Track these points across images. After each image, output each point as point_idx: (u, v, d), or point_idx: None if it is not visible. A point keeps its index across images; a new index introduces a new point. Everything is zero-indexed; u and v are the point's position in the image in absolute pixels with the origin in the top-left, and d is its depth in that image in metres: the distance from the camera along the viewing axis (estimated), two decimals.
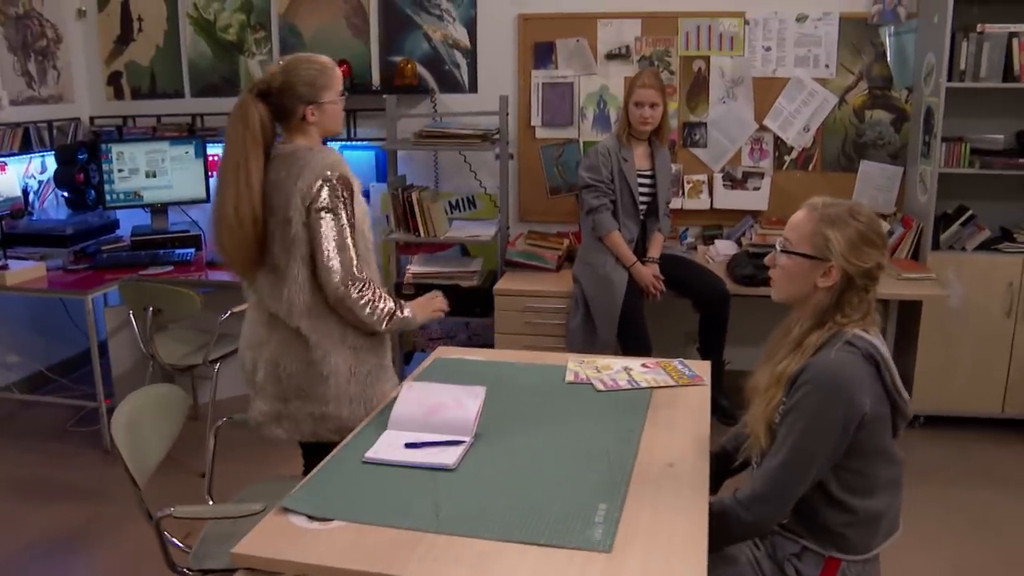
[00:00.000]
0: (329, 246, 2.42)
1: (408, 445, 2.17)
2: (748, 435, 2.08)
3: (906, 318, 4.35)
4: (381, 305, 2.52)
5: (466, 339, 5.10)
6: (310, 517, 1.86)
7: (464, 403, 2.28)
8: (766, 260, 2.14)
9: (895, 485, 2.04)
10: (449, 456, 2.11)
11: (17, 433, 4.46)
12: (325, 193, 2.40)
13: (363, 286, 2.47)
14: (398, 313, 2.59)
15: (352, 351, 2.59)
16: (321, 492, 1.97)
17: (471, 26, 4.78)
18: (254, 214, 2.41)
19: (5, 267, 4.15)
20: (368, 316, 2.50)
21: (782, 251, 2.06)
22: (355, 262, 2.45)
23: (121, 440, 2.25)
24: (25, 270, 4.15)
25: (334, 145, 4.88)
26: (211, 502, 2.67)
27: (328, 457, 2.16)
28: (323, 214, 2.40)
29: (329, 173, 2.41)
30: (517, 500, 1.91)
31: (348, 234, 2.44)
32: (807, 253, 1.99)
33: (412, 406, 2.30)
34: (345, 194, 2.45)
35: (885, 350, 1.96)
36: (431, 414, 2.26)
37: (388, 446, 2.18)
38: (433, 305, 2.82)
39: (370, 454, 2.14)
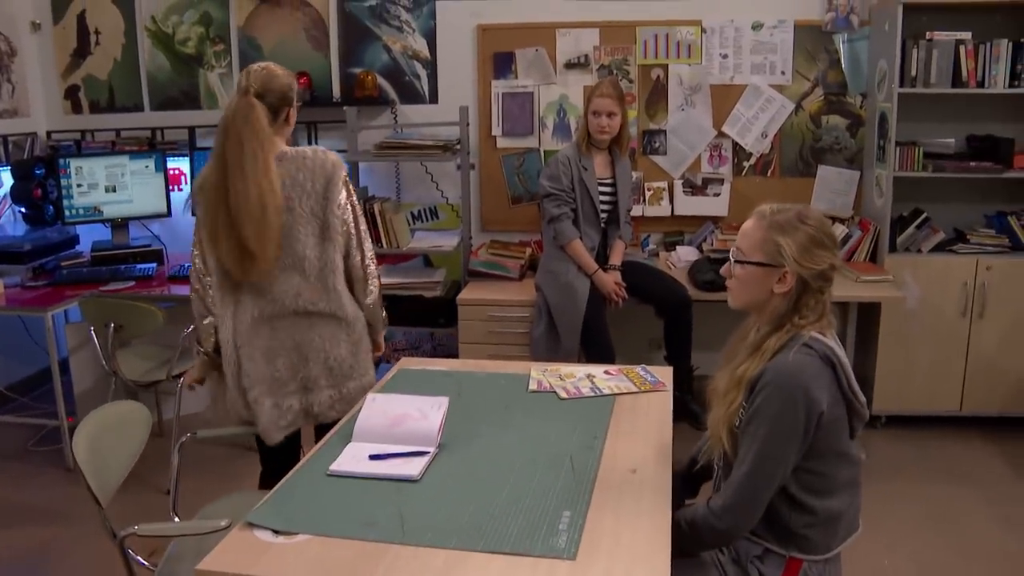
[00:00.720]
0: (361, 232, 2.74)
1: (372, 457, 2.18)
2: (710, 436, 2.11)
3: (865, 320, 4.42)
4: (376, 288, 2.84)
5: (431, 349, 5.11)
6: (275, 531, 1.86)
7: (428, 414, 2.29)
8: (722, 271, 2.17)
9: (854, 485, 2.07)
10: (413, 467, 2.12)
11: None
12: (347, 190, 2.68)
13: (375, 279, 2.82)
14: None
15: (364, 323, 2.85)
16: (286, 506, 1.97)
17: (431, 37, 4.80)
18: (277, 207, 2.54)
19: None
20: (375, 294, 2.82)
21: (735, 261, 2.09)
22: (370, 249, 2.79)
23: (83, 458, 2.22)
24: None
25: None
26: (176, 519, 2.65)
27: (292, 471, 2.16)
28: (349, 207, 2.68)
29: (343, 172, 2.68)
30: (481, 509, 1.92)
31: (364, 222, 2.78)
32: (760, 261, 2.02)
33: (376, 418, 2.31)
34: (353, 188, 2.73)
35: (841, 352, 1.99)
36: (395, 425, 2.27)
37: (352, 458, 2.18)
38: None
39: (334, 467, 2.14)
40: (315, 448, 2.29)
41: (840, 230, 4.42)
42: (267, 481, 2.78)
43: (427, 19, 4.78)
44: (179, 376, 3.97)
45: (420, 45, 4.83)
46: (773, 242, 1.99)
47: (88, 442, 2.28)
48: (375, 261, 2.82)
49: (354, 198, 2.72)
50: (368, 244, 2.77)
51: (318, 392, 2.76)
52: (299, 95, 2.75)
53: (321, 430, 2.70)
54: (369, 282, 2.78)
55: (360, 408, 2.38)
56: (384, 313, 2.92)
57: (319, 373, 2.74)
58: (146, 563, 2.42)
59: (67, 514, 3.66)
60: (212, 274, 2.70)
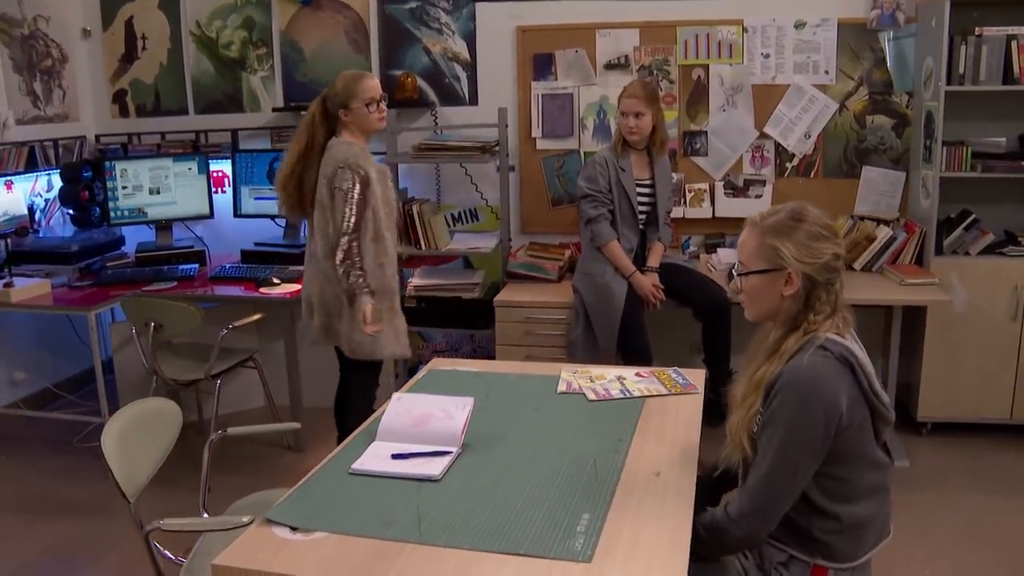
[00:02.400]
0: (338, 216, 3.28)
1: (395, 456, 2.18)
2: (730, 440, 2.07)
3: (910, 324, 4.31)
4: (356, 269, 3.30)
5: (470, 351, 5.10)
6: (293, 528, 1.86)
7: (452, 414, 2.28)
8: (731, 287, 2.14)
9: (880, 490, 2.02)
10: (435, 467, 2.11)
11: (24, 449, 4.49)
12: (340, 176, 3.28)
13: (343, 253, 3.27)
14: (360, 282, 3.32)
15: None
16: (306, 503, 1.97)
17: (470, 39, 4.80)
18: (293, 174, 3.44)
19: (10, 284, 4.19)
20: (341, 272, 3.29)
21: (738, 275, 2.06)
22: (349, 232, 3.27)
23: (111, 452, 2.26)
24: (30, 287, 4.19)
25: None
26: (205, 515, 2.67)
27: (315, 469, 2.16)
28: (336, 192, 3.29)
29: (345, 162, 3.29)
30: (500, 510, 1.91)
31: (353, 210, 3.27)
32: (761, 268, 1.99)
33: (400, 417, 2.30)
34: (355, 178, 3.27)
35: (860, 352, 1.94)
36: (418, 425, 2.27)
37: (375, 457, 2.18)
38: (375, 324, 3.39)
39: (356, 465, 2.14)
40: (340, 447, 2.30)
41: (885, 232, 4.32)
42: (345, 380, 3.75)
43: (467, 21, 4.79)
44: (218, 375, 4.03)
45: (460, 47, 4.83)
46: (770, 247, 1.96)
47: (116, 437, 2.31)
48: (349, 257, 3.31)
49: (350, 190, 3.29)
50: (342, 227, 3.31)
51: (319, 316, 3.55)
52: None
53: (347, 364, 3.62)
54: (337, 264, 3.32)
55: (385, 407, 2.37)
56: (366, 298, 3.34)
57: (318, 303, 3.55)
58: (173, 558, 2.44)
59: (107, 509, 3.73)
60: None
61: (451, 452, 2.18)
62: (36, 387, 4.90)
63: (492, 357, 4.52)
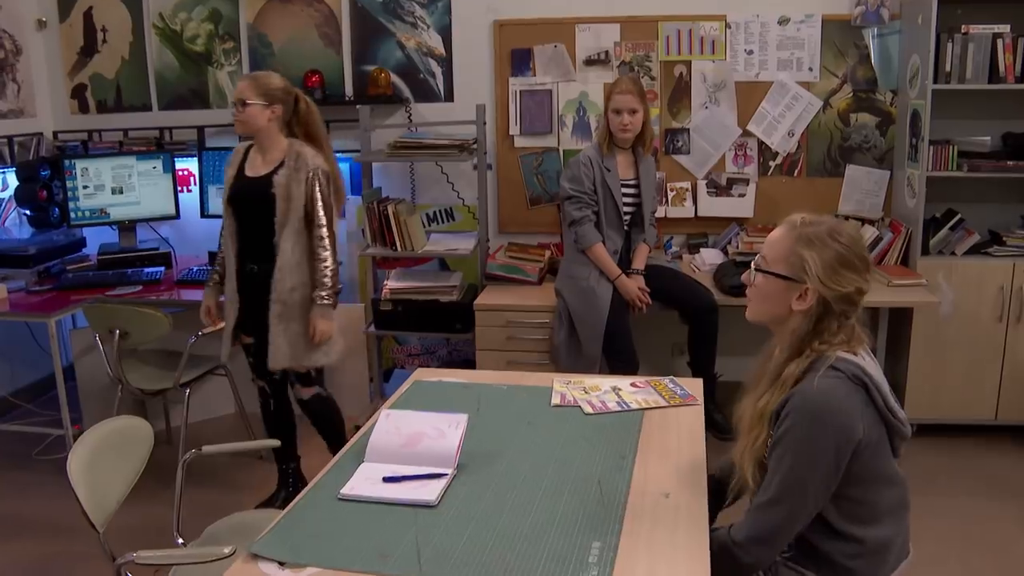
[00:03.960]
0: None
1: (387, 479, 2.04)
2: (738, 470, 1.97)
3: (896, 326, 4.25)
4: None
5: (446, 355, 4.97)
6: (281, 564, 1.72)
7: (445, 433, 2.14)
8: (742, 278, 2.03)
9: (900, 509, 1.93)
10: (431, 491, 1.98)
11: None
12: None
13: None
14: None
15: None
16: (293, 534, 1.83)
17: (446, 33, 4.66)
18: None
19: None
20: None
21: (756, 269, 1.96)
22: None
23: (78, 479, 2.09)
24: None
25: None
26: (180, 540, 2.52)
27: (301, 494, 2.02)
28: None
29: None
30: (505, 540, 1.78)
31: None
32: (781, 273, 1.89)
33: (390, 436, 2.17)
34: None
35: (874, 369, 1.85)
36: (410, 445, 2.13)
37: (365, 480, 2.05)
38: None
39: (345, 490, 2.00)
40: (325, 468, 2.16)
41: (870, 232, 4.26)
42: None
43: (442, 15, 4.64)
44: (187, 384, 3.85)
45: (435, 42, 4.69)
46: (798, 255, 1.86)
47: (85, 462, 2.15)
48: None
49: None
50: None
51: None
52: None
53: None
54: None
55: (373, 425, 2.24)
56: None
57: None
58: None
59: (72, 528, 3.54)
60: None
61: (446, 474, 2.05)
62: None
63: (470, 360, 4.40)
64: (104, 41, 5.00)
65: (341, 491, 2.00)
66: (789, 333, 1.90)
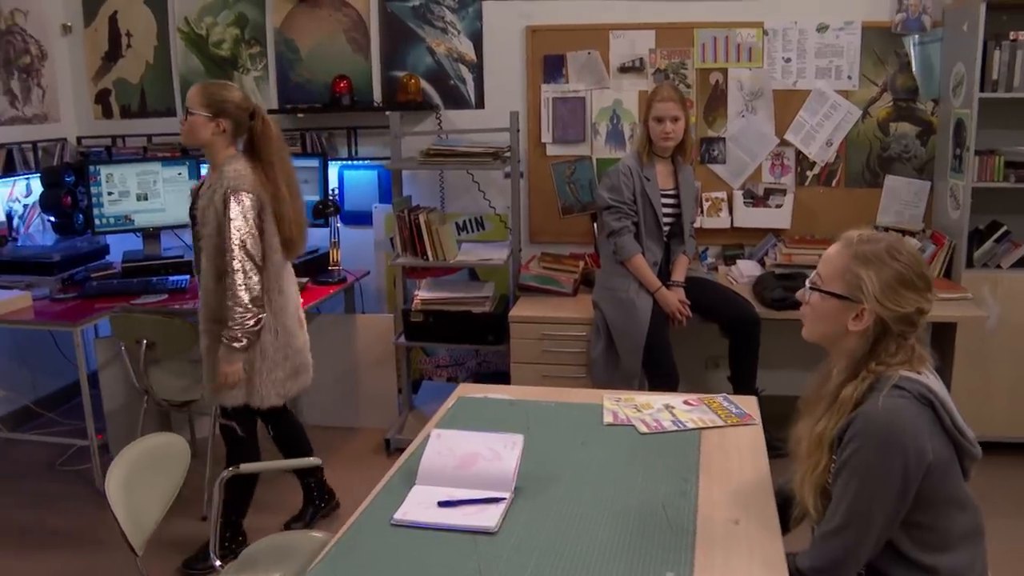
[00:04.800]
0: None
1: (441, 503, 1.94)
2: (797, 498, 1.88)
3: (940, 340, 4.13)
4: None
5: (476, 366, 4.87)
6: None
7: (501, 454, 2.05)
8: (797, 295, 1.95)
9: (975, 535, 1.84)
10: (489, 517, 1.88)
11: (4, 473, 4.20)
12: None
13: None
14: None
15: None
16: (347, 563, 1.74)
17: (477, 39, 4.58)
18: None
19: None
20: None
21: (811, 288, 1.88)
22: None
23: (116, 500, 2.01)
24: (9, 300, 3.89)
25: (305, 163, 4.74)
26: (218, 563, 2.43)
27: (351, 519, 1.93)
28: None
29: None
30: (571, 569, 1.69)
31: None
32: (837, 293, 1.81)
33: (442, 458, 2.07)
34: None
35: (940, 388, 1.77)
36: (464, 467, 2.04)
37: (418, 505, 1.95)
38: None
39: (398, 515, 1.91)
40: (374, 491, 2.06)
41: (911, 244, 4.15)
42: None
43: (473, 20, 4.56)
44: None
45: (466, 47, 4.60)
46: (854, 274, 1.78)
47: (122, 483, 2.06)
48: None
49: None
50: None
51: None
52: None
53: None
54: None
55: (424, 445, 2.14)
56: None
57: None
58: None
59: (96, 542, 3.46)
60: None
61: (504, 498, 1.95)
62: (15, 405, 4.59)
63: (500, 372, 4.31)
64: (129, 46, 4.93)
65: (394, 516, 1.90)
66: (845, 354, 1.83)
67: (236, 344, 2.93)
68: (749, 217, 4.45)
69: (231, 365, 2.98)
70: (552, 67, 4.51)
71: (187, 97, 3.00)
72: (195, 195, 3.09)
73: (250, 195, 2.93)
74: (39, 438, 4.27)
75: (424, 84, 4.63)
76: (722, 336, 3.88)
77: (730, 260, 4.48)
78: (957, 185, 4.06)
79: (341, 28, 4.67)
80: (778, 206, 4.42)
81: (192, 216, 3.10)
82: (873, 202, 4.41)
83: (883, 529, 1.72)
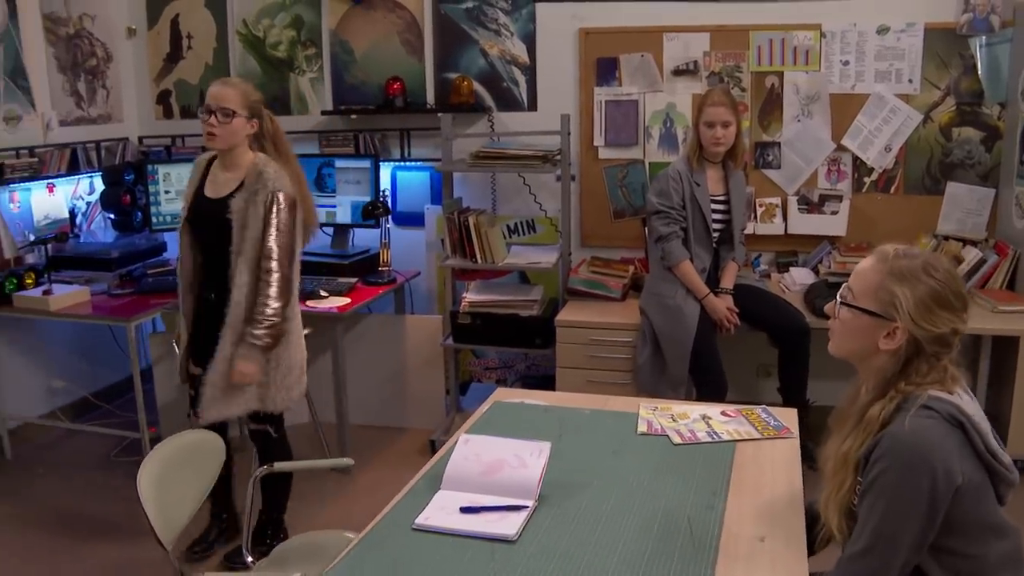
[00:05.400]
0: None
1: (464, 509, 1.94)
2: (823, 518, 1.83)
3: (1001, 354, 3.99)
4: None
5: (524, 369, 4.86)
6: None
7: (527, 462, 2.03)
8: (826, 309, 1.89)
9: (1014, 561, 1.76)
10: (510, 525, 1.87)
11: (62, 462, 4.32)
12: None
13: None
14: None
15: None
16: (365, 565, 1.74)
17: (530, 41, 4.56)
18: None
19: (49, 292, 4.01)
20: None
21: (842, 303, 1.81)
22: None
23: (147, 495, 2.04)
24: (69, 295, 4.01)
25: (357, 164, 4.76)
26: (250, 559, 2.46)
27: (374, 521, 1.93)
28: None
29: None
30: None
31: None
32: (869, 309, 1.74)
33: (469, 463, 2.07)
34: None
35: (973, 409, 1.70)
36: (489, 473, 2.03)
37: (440, 510, 1.95)
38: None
39: (420, 520, 1.90)
40: (400, 494, 2.06)
41: (973, 254, 4.02)
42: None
43: (526, 22, 4.55)
44: None
45: (519, 49, 4.59)
46: (888, 291, 1.71)
47: (155, 478, 2.10)
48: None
49: None
50: None
51: None
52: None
53: None
54: None
55: (451, 449, 2.14)
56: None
57: None
58: None
59: (144, 533, 3.51)
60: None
61: (527, 507, 1.94)
62: (74, 396, 4.73)
63: (549, 376, 4.29)
64: (189, 48, 5.03)
65: (416, 521, 1.90)
66: (875, 372, 1.77)
67: (260, 343, 2.91)
68: (803, 224, 4.36)
69: (249, 364, 2.93)
70: (605, 69, 4.48)
71: (222, 96, 2.91)
72: (197, 195, 3.07)
73: (290, 196, 2.94)
74: (96, 429, 4.38)
75: (477, 86, 4.64)
76: (771, 345, 3.81)
77: (783, 267, 4.39)
78: (1023, 193, 3.92)
79: (395, 30, 4.70)
80: (833, 213, 4.32)
81: (197, 216, 3.06)
82: (933, 210, 4.28)
83: (910, 553, 1.65)
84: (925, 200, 4.29)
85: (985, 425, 1.70)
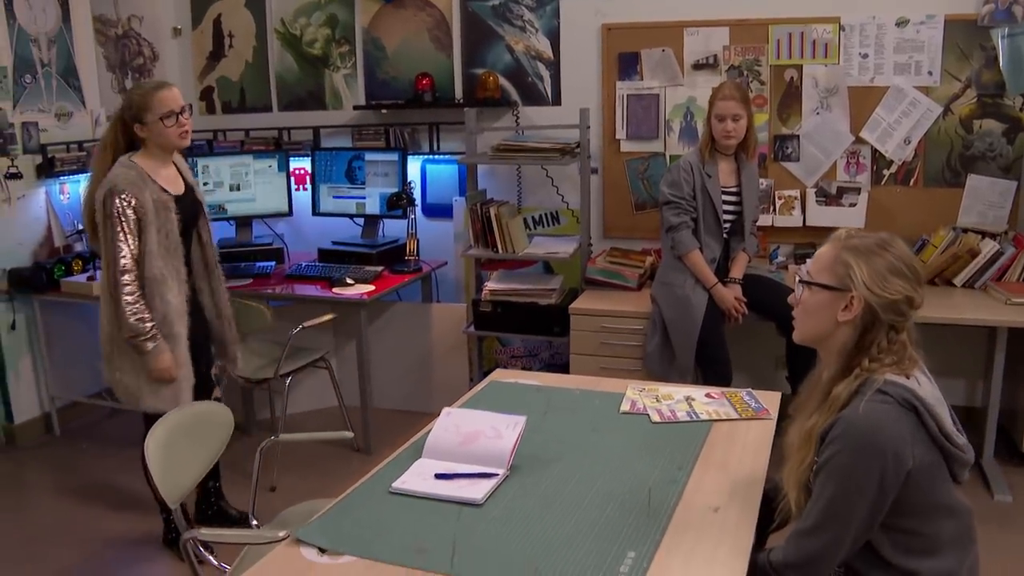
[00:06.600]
0: (109, 249, 2.96)
1: (438, 476, 2.07)
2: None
3: (1017, 347, 4.00)
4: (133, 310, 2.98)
5: (548, 357, 4.98)
6: (321, 550, 1.77)
7: (502, 433, 2.16)
8: (789, 299, 1.97)
9: (964, 540, 1.83)
10: (478, 490, 2.00)
11: (105, 439, 4.59)
12: (107, 204, 2.94)
13: (126, 288, 2.95)
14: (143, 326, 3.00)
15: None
16: (339, 523, 1.89)
17: (554, 37, 4.67)
18: (89, 202, 3.07)
19: (92, 278, 4.26)
20: (123, 314, 2.97)
21: (800, 282, 1.90)
22: (125, 269, 2.95)
23: (154, 458, 2.21)
24: None
25: (387, 157, 4.89)
26: (254, 522, 2.62)
27: (356, 484, 2.07)
28: (106, 222, 2.96)
29: (114, 187, 2.93)
30: (540, 543, 1.78)
31: (128, 241, 2.95)
32: (826, 283, 1.82)
33: (448, 434, 2.20)
34: (123, 207, 2.93)
35: (927, 392, 1.75)
36: (466, 443, 2.16)
37: (418, 476, 2.08)
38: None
39: (397, 484, 2.05)
40: (384, 461, 2.20)
41: (990, 246, 4.03)
42: None
43: (550, 18, 4.66)
44: (287, 375, 4.00)
45: (543, 45, 4.71)
46: (843, 263, 1.80)
47: (162, 443, 2.27)
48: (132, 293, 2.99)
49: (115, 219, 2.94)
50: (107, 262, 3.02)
51: None
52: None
53: None
54: (120, 305, 2.99)
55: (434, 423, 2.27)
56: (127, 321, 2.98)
57: None
58: (216, 563, 2.42)
59: None
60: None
61: (497, 475, 2.06)
62: None
63: (568, 365, 4.39)
64: (231, 46, 5.25)
65: (393, 485, 2.04)
66: (836, 350, 1.84)
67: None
68: (822, 216, 4.39)
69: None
70: (627, 64, 4.57)
71: (180, 97, 3.09)
72: (191, 192, 3.25)
73: None
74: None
75: (503, 81, 4.76)
76: (779, 335, 3.87)
77: (800, 259, 4.43)
78: None
79: (424, 27, 4.85)
80: (852, 205, 4.35)
81: (192, 214, 3.23)
82: (954, 202, 4.28)
83: (859, 532, 1.73)
84: (945, 192, 4.30)
85: (940, 408, 1.76)
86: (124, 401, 3.18)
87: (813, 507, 1.75)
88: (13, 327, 4.47)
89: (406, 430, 4.10)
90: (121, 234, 2.93)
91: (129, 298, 2.96)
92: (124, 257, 2.95)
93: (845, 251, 1.81)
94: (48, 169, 4.51)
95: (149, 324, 2.99)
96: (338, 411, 4.52)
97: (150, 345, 2.99)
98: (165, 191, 3.06)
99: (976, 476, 3.85)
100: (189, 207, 3.19)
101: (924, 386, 1.77)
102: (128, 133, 3.06)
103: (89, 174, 3.21)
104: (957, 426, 1.78)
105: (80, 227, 4.54)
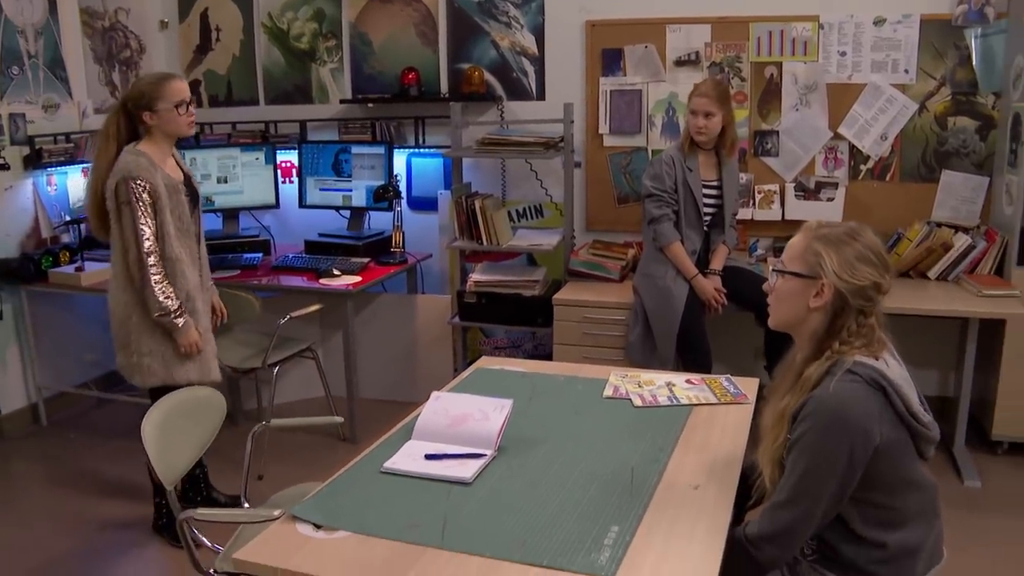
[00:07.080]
0: (128, 234, 3.07)
1: (428, 456, 2.14)
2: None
3: (988, 338, 4.10)
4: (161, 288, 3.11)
5: (531, 348, 5.05)
6: (317, 526, 1.84)
7: (489, 415, 2.23)
8: (764, 288, 2.06)
9: (929, 514, 1.93)
10: (467, 470, 2.07)
11: (93, 429, 4.63)
12: (121, 190, 3.02)
13: (152, 268, 3.07)
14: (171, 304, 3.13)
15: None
16: (333, 501, 1.95)
17: (539, 33, 4.75)
18: (95, 192, 3.13)
19: (81, 268, 4.30)
20: (152, 294, 3.08)
21: (773, 270, 1.99)
22: (144, 248, 3.04)
23: (150, 438, 2.27)
24: (100, 271, 4.28)
25: (368, 150, 4.94)
26: (246, 504, 2.68)
27: (348, 465, 2.14)
28: (122, 208, 3.05)
29: (128, 173, 3.01)
30: (527, 518, 1.86)
31: (149, 224, 3.06)
32: (798, 272, 1.91)
33: (437, 416, 2.27)
34: (139, 191, 3.02)
35: (895, 372, 1.84)
36: (455, 425, 2.23)
37: (408, 456, 2.15)
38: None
39: (388, 464, 2.11)
40: (375, 443, 2.27)
41: (963, 240, 4.13)
42: None
43: (535, 15, 4.73)
44: (275, 364, 4.06)
45: (528, 41, 4.78)
46: (814, 251, 1.89)
47: (158, 425, 2.33)
48: (158, 272, 3.11)
49: (135, 204, 3.04)
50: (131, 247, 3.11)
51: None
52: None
53: None
54: (145, 289, 3.11)
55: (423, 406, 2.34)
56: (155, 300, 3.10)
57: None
58: (210, 545, 2.48)
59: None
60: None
61: (485, 455, 2.14)
62: (105, 368, 4.99)
63: (551, 356, 4.46)
64: (218, 40, 5.29)
65: (384, 465, 2.11)
66: (808, 334, 1.93)
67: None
68: (800, 210, 4.48)
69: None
70: (610, 60, 4.64)
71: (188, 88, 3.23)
72: (188, 181, 3.35)
73: None
74: (124, 399, 4.66)
75: (488, 76, 4.83)
76: (757, 326, 3.95)
77: (779, 252, 4.52)
78: (1012, 181, 4.02)
79: (411, 22, 4.91)
80: (830, 199, 4.45)
81: (193, 201, 3.33)
82: (928, 197, 4.39)
83: (829, 506, 1.81)
84: (920, 188, 4.40)
85: (908, 388, 1.85)
86: (146, 383, 3.25)
87: (786, 482, 1.83)
88: (0, 317, 4.49)
89: (391, 419, 4.16)
90: (142, 217, 3.03)
91: (156, 277, 3.08)
92: (147, 240, 3.05)
93: (816, 241, 1.90)
94: (35, 160, 4.53)
95: (177, 302, 3.13)
96: (324, 400, 4.58)
97: (180, 321, 3.14)
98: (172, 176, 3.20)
99: (947, 462, 3.96)
100: (193, 191, 3.37)
101: (892, 367, 1.86)
102: (130, 123, 3.14)
103: (92, 165, 3.24)
104: (924, 405, 1.87)
105: (67, 218, 4.58)
